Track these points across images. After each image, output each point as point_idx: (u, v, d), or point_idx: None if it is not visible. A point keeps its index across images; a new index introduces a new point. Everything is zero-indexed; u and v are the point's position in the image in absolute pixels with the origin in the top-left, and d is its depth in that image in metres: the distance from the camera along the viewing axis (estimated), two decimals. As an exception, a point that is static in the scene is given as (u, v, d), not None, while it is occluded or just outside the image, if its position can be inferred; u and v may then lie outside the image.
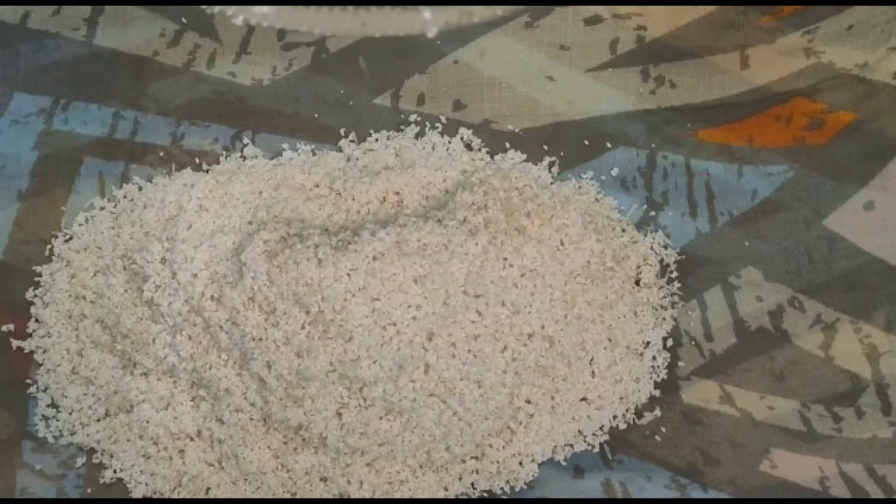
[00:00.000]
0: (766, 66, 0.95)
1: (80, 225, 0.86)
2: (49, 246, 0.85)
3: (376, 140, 0.89)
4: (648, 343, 0.83)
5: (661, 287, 0.85)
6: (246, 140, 0.90)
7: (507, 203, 0.80)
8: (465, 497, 0.78)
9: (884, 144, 0.90)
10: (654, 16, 0.95)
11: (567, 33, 0.96)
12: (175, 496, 0.77)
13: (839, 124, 0.91)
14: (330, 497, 0.77)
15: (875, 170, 0.89)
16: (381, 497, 0.76)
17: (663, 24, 0.96)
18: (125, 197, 0.87)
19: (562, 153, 0.90)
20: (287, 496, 0.77)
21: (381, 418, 0.76)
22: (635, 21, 0.95)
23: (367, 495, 0.77)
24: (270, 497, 0.77)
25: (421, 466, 0.78)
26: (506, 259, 0.78)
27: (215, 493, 0.77)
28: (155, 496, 0.77)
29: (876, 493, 0.72)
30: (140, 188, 0.87)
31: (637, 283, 0.85)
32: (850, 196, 0.87)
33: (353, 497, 0.77)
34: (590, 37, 0.96)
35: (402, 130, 0.90)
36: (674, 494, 0.75)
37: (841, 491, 0.72)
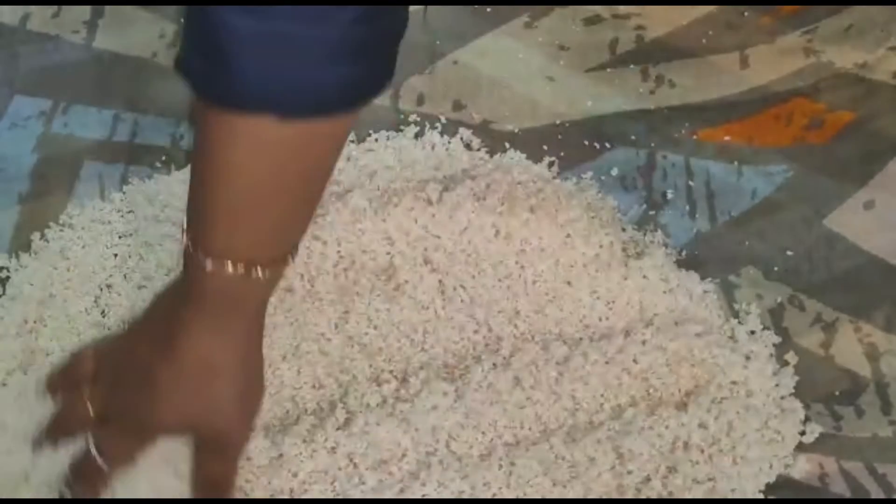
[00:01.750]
0: (766, 65, 0.95)
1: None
2: (49, 247, 0.85)
3: (376, 140, 0.89)
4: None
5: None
6: (246, 141, 0.90)
7: (510, 197, 0.80)
8: (468, 497, 0.78)
9: (884, 144, 0.90)
10: (653, 16, 0.96)
11: (567, 33, 0.97)
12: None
13: (839, 124, 0.91)
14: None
15: (875, 169, 0.89)
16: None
17: (663, 24, 0.96)
18: (125, 198, 0.87)
19: (562, 153, 0.90)
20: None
21: None
22: (635, 21, 0.96)
23: None
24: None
25: None
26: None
27: (215, 494, 0.77)
28: (155, 496, 0.76)
29: (876, 491, 0.72)
30: (140, 189, 0.87)
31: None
32: (850, 196, 0.87)
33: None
34: (590, 37, 0.96)
35: (401, 130, 0.90)
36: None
37: (841, 488, 0.72)
